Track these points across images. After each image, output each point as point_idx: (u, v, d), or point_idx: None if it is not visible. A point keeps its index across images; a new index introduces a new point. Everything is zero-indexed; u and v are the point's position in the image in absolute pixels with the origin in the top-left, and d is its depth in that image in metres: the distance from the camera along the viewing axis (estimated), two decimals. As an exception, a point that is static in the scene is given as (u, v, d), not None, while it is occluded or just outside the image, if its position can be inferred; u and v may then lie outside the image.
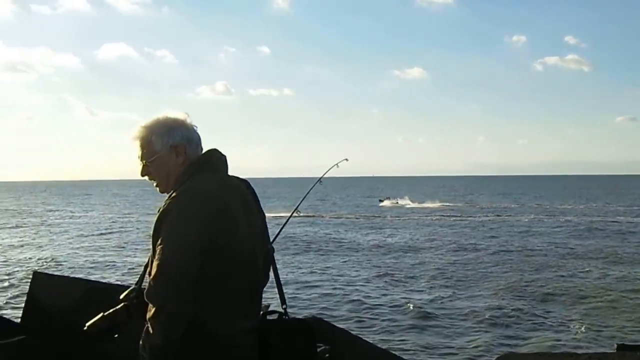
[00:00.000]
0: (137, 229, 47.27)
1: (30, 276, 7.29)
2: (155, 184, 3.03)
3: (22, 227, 50.22)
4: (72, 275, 17.74)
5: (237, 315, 2.83)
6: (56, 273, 19.67)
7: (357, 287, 21.11)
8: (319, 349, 3.23)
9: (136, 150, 3.03)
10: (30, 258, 30.02)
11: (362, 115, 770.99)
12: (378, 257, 28.69)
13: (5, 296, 19.98)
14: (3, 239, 39.49)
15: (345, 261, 27.73)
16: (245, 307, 2.89)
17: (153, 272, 2.73)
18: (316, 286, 21.41)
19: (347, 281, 22.44)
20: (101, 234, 43.77)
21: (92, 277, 21.27)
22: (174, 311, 2.70)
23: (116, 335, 3.01)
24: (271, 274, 3.12)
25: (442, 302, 18.25)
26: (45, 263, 28.36)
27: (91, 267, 26.81)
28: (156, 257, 2.74)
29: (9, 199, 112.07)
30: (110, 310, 2.99)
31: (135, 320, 2.96)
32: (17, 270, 25.59)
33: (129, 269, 25.77)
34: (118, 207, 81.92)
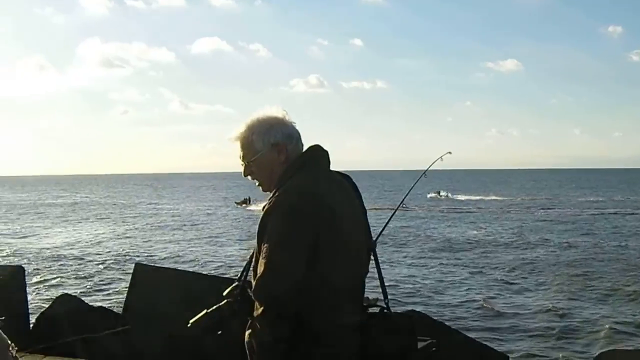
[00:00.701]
0: (230, 221, 48.35)
1: (132, 268, 7.51)
2: (257, 184, 3.05)
3: (123, 219, 52.21)
4: (172, 267, 18.20)
5: (341, 311, 2.84)
6: (157, 265, 20.26)
7: (452, 281, 20.92)
8: (424, 343, 3.19)
9: (237, 150, 3.06)
10: (131, 250, 31.18)
11: (456, 108, 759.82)
12: (463, 253, 28.41)
13: (107, 287, 20.82)
14: (105, 232, 41.18)
15: (432, 255, 27.62)
16: (349, 302, 2.90)
17: (260, 271, 2.75)
18: (409, 279, 21.33)
19: (440, 275, 22.33)
20: (195, 225, 45.20)
21: (190, 269, 21.89)
22: (281, 309, 2.73)
23: (219, 332, 3.00)
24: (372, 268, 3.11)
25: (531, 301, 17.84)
26: (146, 254, 29.39)
27: (189, 259, 27.62)
28: (262, 255, 2.76)
29: (118, 192, 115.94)
30: (214, 307, 3.00)
31: (239, 317, 2.97)
32: (120, 262, 26.65)
33: (224, 260, 26.35)
34: (211, 199, 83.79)
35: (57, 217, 55.59)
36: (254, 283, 2.82)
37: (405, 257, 27.09)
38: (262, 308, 2.77)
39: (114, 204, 74.85)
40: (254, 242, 2.86)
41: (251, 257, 2.96)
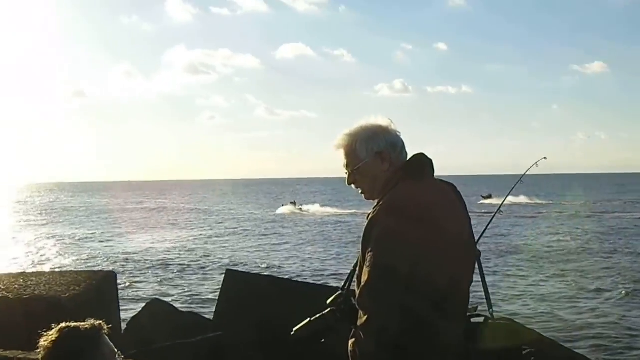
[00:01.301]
0: (313, 226, 48.61)
1: (221, 273, 7.52)
2: (360, 191, 3.07)
3: (209, 225, 53.25)
4: (262, 273, 18.29)
5: (445, 319, 2.82)
6: (247, 270, 20.45)
7: (553, 292, 20.32)
8: (524, 352, 3.23)
9: (341, 158, 3.09)
10: (219, 255, 31.67)
11: (542, 112, 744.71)
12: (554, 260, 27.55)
13: (197, 292, 21.15)
14: (191, 237, 42.03)
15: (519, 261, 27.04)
16: (453, 311, 2.87)
17: (364, 280, 2.76)
18: (504, 287, 20.87)
19: (529, 282, 21.75)
20: (277, 230, 45.53)
21: (280, 275, 22.01)
22: (385, 319, 2.72)
23: (322, 341, 3.04)
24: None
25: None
26: (233, 260, 29.72)
27: (280, 265, 27.80)
28: (367, 264, 2.77)
29: (203, 198, 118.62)
30: (318, 315, 3.05)
31: (343, 326, 2.99)
32: (207, 267, 27.07)
33: (314, 267, 26.49)
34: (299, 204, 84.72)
35: (143, 223, 57.07)
36: (357, 291, 2.83)
37: (497, 265, 26.57)
38: (365, 317, 2.75)
39: (199, 210, 76.41)
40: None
41: (355, 265, 2.99)
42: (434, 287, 2.76)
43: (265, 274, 21.38)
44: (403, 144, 3.06)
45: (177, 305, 9.78)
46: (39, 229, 51.10)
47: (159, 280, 24.03)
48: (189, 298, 20.05)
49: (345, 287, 3.11)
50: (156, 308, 8.08)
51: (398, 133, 3.07)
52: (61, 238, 42.69)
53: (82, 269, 21.96)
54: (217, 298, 7.84)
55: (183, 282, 23.47)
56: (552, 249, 31.87)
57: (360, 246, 2.89)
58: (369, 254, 2.76)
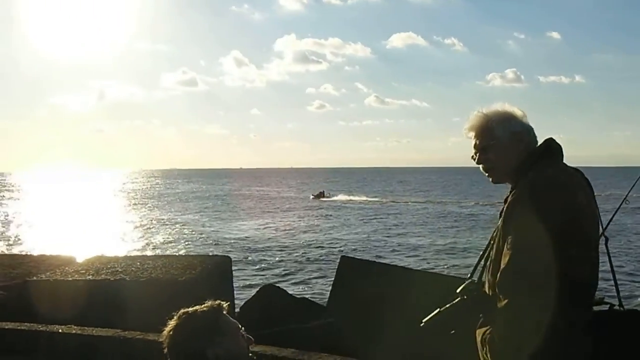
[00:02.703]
0: (424, 216, 48.18)
1: (335, 260, 7.53)
2: (487, 174, 3.04)
3: (318, 212, 53.80)
4: (377, 260, 18.30)
5: (579, 307, 2.76)
6: (363, 257, 20.50)
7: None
8: None
9: (472, 138, 3.06)
10: (335, 242, 31.92)
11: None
12: None
13: (312, 279, 21.37)
14: (302, 224, 42.59)
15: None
16: (585, 298, 2.81)
17: (505, 264, 2.73)
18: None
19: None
20: (388, 216, 45.36)
21: (395, 262, 21.93)
22: (526, 304, 2.66)
23: (453, 332, 2.97)
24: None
25: None
26: (349, 247, 29.93)
27: (396, 251, 27.85)
28: (508, 248, 2.74)
29: (313, 185, 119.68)
30: (448, 305, 2.98)
31: (474, 314, 2.96)
32: (320, 254, 27.41)
33: (430, 254, 26.28)
34: (403, 193, 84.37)
35: (256, 209, 58.27)
36: (494, 276, 2.80)
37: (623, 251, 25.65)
38: (505, 302, 2.72)
39: (305, 198, 77.19)
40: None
41: (484, 252, 2.99)
42: (576, 273, 2.71)
43: (380, 261, 21.38)
44: (535, 133, 3.04)
45: (290, 290, 9.87)
46: (153, 213, 53.23)
47: (272, 265, 24.46)
48: (302, 284, 20.32)
49: (474, 274, 3.08)
50: (269, 293, 8.18)
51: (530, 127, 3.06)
52: (175, 223, 44.27)
53: (197, 253, 22.64)
54: (330, 284, 7.84)
55: (296, 267, 23.82)
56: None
57: (497, 230, 2.88)
58: (511, 237, 2.74)
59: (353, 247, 30.04)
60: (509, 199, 2.85)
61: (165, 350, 2.39)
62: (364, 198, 77.61)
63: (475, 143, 3.04)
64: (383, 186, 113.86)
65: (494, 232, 2.91)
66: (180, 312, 2.43)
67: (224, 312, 2.45)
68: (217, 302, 2.47)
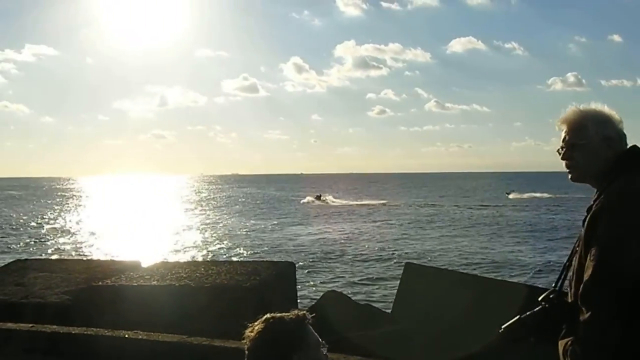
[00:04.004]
0: (489, 218, 47.52)
1: (399, 266, 7.49)
2: (568, 171, 2.97)
3: (380, 217, 53.61)
4: (443, 267, 18.10)
5: None
6: (428, 264, 20.32)
7: None
8: None
9: (562, 132, 3.01)
10: (399, 248, 31.71)
11: None
12: None
13: (372, 284, 21.28)
14: (365, 229, 42.52)
15: None
16: None
17: (589, 274, 2.66)
18: None
19: None
20: (470, 226, 44.81)
21: (460, 269, 21.66)
22: (609, 317, 2.59)
23: (532, 339, 2.91)
24: None
25: None
26: (414, 253, 29.67)
27: (461, 260, 27.45)
28: (591, 258, 2.67)
29: (379, 191, 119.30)
30: (528, 313, 2.93)
31: (555, 324, 2.88)
32: (383, 259, 27.29)
33: (496, 263, 25.88)
34: (473, 198, 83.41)
35: (317, 214, 58.43)
36: (580, 287, 2.71)
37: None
38: (589, 313, 2.65)
39: (370, 204, 76.91)
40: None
41: (569, 260, 2.93)
42: None
43: (445, 267, 21.15)
44: (626, 141, 2.98)
45: (353, 297, 9.82)
46: (215, 219, 53.86)
47: (334, 271, 24.45)
48: (365, 290, 20.23)
49: (559, 284, 2.98)
50: (333, 299, 8.16)
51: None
52: (237, 228, 44.71)
53: (261, 259, 22.79)
54: (394, 291, 7.77)
55: (359, 274, 23.72)
56: None
57: (579, 240, 2.81)
58: (594, 247, 2.67)
59: (414, 252, 29.80)
60: (592, 208, 2.78)
61: (248, 352, 2.40)
62: (422, 201, 77.73)
63: (565, 137, 2.98)
64: (439, 191, 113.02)
65: (577, 241, 2.85)
66: (266, 316, 2.42)
67: (308, 322, 2.44)
68: (303, 312, 2.47)
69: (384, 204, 75.11)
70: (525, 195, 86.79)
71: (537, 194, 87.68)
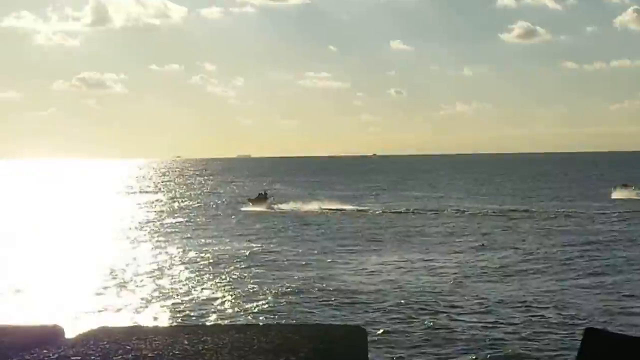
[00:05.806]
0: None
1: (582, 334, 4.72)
2: None
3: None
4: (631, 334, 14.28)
5: None
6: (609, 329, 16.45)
7: None
8: None
9: None
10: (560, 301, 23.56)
11: None
12: None
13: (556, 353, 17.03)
14: (483, 263, 32.66)
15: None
16: None
17: None
18: None
19: None
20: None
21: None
22: None
23: None
24: None
25: None
26: (599, 318, 21.43)
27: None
28: None
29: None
30: None
31: None
32: (536, 321, 20.94)
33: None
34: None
35: (394, 238, 44.05)
36: None
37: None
38: None
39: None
40: None
41: None
42: None
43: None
44: None
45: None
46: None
47: (420, 332, 19.03)
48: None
49: None
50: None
51: None
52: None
53: (315, 322, 18.35)
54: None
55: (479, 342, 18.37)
56: None
57: None
58: None
59: (572, 306, 22.29)
60: None
61: None
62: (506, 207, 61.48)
63: None
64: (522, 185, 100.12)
65: None
66: None
67: None
68: None
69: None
70: None
71: None
